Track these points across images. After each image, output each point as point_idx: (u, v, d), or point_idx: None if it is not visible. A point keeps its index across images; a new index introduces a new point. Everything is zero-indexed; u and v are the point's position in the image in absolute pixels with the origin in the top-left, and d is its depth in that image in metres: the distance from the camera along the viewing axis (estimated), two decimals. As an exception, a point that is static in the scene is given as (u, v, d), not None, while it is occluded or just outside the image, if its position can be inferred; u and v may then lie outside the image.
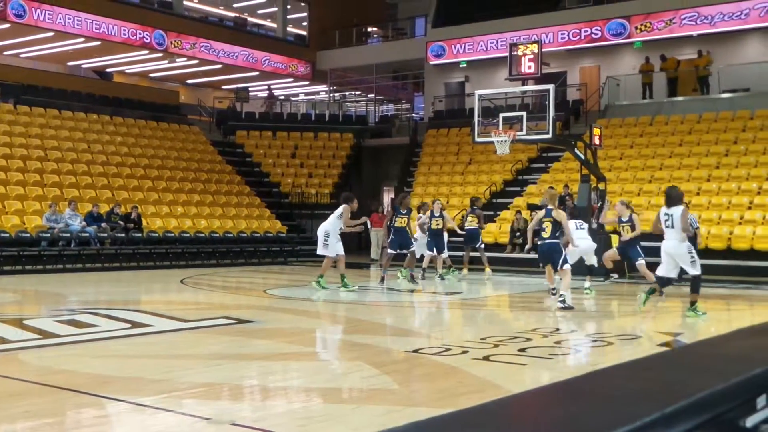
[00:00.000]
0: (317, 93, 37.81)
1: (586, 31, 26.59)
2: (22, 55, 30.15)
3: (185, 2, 31.65)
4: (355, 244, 24.40)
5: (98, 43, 28.11)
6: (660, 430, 3.99)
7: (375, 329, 9.63)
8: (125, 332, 8.58)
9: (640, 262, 12.74)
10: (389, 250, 15.05)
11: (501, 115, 17.36)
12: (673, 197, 9.92)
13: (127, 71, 33.33)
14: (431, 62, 30.23)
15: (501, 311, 12.49)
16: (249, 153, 29.09)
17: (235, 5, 35.05)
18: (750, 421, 4.82)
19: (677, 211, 9.78)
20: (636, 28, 25.71)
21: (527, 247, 12.80)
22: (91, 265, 18.41)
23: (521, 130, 16.99)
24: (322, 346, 7.93)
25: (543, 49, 19.09)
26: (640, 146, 23.42)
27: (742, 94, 23.70)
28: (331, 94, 35.77)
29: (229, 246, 21.87)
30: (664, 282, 10.28)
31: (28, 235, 18.14)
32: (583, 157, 17.86)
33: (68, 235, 18.57)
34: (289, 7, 34.87)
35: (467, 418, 4.28)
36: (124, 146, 24.83)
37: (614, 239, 17.33)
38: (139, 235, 20.11)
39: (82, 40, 27.77)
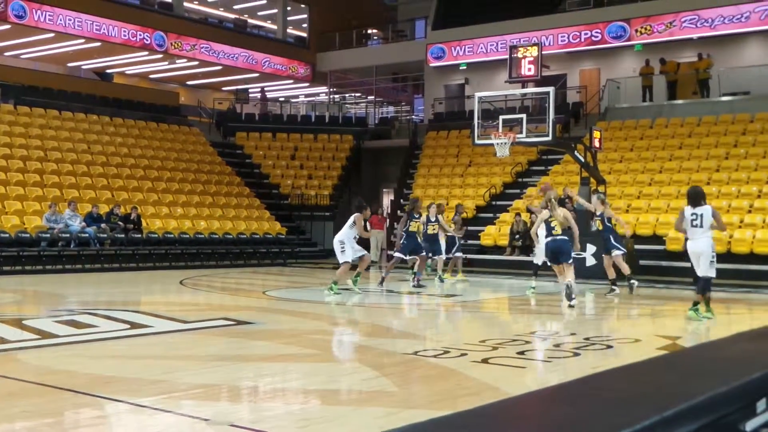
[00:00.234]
0: (317, 95, 37.83)
1: (586, 34, 26.61)
2: (22, 56, 30.18)
3: (185, 4, 31.68)
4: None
5: (98, 44, 28.13)
6: (659, 434, 3.99)
7: (374, 331, 9.62)
8: (124, 333, 8.58)
9: (617, 254, 13.49)
10: (397, 254, 14.97)
11: (501, 117, 17.38)
12: (700, 196, 9.93)
13: (127, 72, 33.36)
14: (431, 64, 30.25)
15: (500, 314, 12.48)
16: (249, 154, 29.10)
17: (235, 7, 35.06)
18: (750, 425, 4.81)
19: (706, 210, 9.79)
20: (636, 30, 25.73)
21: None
22: (91, 266, 18.42)
23: (521, 132, 17.01)
24: (321, 348, 7.93)
25: (543, 52, 19.11)
26: (639, 149, 23.42)
27: (742, 98, 23.71)
28: (331, 96, 35.78)
29: (229, 247, 21.87)
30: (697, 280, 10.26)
31: (28, 235, 18.14)
32: (582, 159, 17.86)
33: (68, 235, 18.57)
34: (289, 8, 34.89)
35: (466, 421, 4.28)
36: (124, 147, 24.84)
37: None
38: (139, 235, 20.11)
39: (82, 41, 27.79)
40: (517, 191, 23.59)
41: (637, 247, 18.29)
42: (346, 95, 37.66)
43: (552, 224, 11.58)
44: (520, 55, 18.69)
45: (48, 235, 18.29)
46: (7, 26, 25.86)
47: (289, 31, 35.43)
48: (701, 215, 9.75)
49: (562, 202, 13.07)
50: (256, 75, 33.70)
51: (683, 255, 17.39)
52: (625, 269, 13.74)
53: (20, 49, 29.39)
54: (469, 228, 21.16)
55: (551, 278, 13.84)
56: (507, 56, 19.25)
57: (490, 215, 22.76)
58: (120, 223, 19.86)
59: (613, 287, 13.66)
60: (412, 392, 5.78)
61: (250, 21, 35.43)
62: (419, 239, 14.84)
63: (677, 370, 5.93)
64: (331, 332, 9.64)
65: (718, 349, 7.52)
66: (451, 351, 7.31)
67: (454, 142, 27.70)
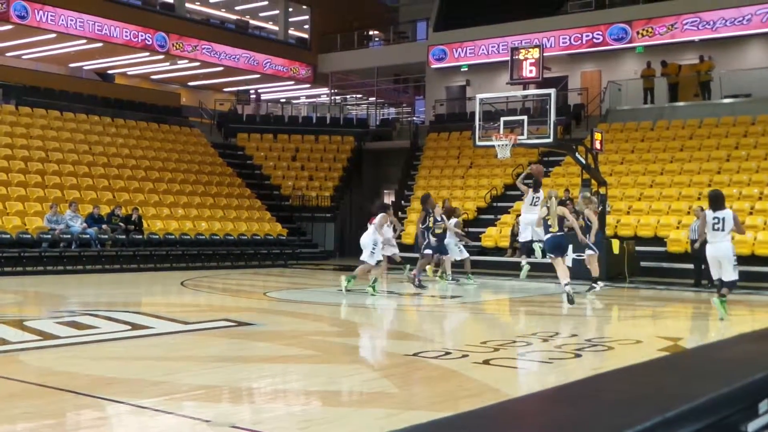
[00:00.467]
0: (318, 96, 37.85)
1: (587, 36, 26.61)
2: (24, 57, 30.21)
3: (187, 4, 31.70)
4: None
5: (100, 44, 28.16)
6: (660, 435, 3.98)
7: (375, 332, 9.63)
8: (125, 334, 8.58)
9: (590, 254, 13.90)
10: (427, 251, 15.06)
11: (502, 119, 17.35)
12: (721, 199, 9.98)
13: (128, 73, 33.39)
14: (432, 66, 30.26)
15: (501, 315, 12.48)
16: (250, 155, 29.11)
17: (236, 8, 35.09)
18: (752, 427, 4.81)
19: (728, 213, 9.85)
20: (638, 32, 25.73)
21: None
22: (92, 267, 18.41)
23: (522, 134, 16.99)
24: (322, 349, 7.92)
25: (544, 54, 19.09)
26: (641, 151, 23.41)
27: (744, 100, 23.71)
28: (333, 97, 35.80)
29: (230, 248, 21.86)
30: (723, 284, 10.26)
31: (29, 236, 18.14)
32: (584, 161, 17.86)
33: (69, 236, 18.56)
34: (290, 10, 34.92)
35: (467, 422, 4.28)
36: (125, 148, 24.85)
37: (614, 244, 17.38)
38: (140, 237, 20.11)
39: (84, 41, 27.83)
40: (518, 193, 23.46)
41: (638, 248, 18.29)
42: (348, 96, 37.68)
43: (548, 221, 12.06)
44: (521, 56, 18.67)
45: (49, 236, 18.29)
46: (9, 26, 25.89)
47: (291, 32, 35.45)
48: (723, 219, 9.79)
49: (563, 203, 13.24)
50: (258, 76, 33.72)
51: (684, 257, 17.56)
52: (595, 270, 13.92)
53: (22, 50, 29.42)
54: (470, 229, 21.17)
55: (552, 280, 13.85)
56: (508, 58, 19.23)
57: (491, 217, 22.76)
58: (121, 224, 19.86)
59: (593, 285, 13.86)
60: (413, 393, 5.77)
61: (252, 22, 35.45)
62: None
63: (678, 372, 5.93)
64: (332, 333, 9.63)
65: (720, 350, 7.52)
66: (453, 352, 7.31)
67: (455, 143, 27.70)
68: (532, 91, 19.70)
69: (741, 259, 17.25)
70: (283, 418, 4.97)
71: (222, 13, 35.10)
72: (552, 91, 16.90)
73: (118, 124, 26.40)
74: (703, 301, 13.71)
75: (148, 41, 28.66)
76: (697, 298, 14.34)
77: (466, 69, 29.65)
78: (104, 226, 19.36)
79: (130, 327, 8.98)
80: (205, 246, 21.41)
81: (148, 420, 4.90)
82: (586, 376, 6.07)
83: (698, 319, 11.69)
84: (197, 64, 31.50)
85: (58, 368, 6.48)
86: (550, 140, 17.02)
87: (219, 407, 5.24)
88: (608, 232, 18.73)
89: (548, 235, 12.20)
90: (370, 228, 13.49)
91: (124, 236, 19.65)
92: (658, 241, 18.95)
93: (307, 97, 38.31)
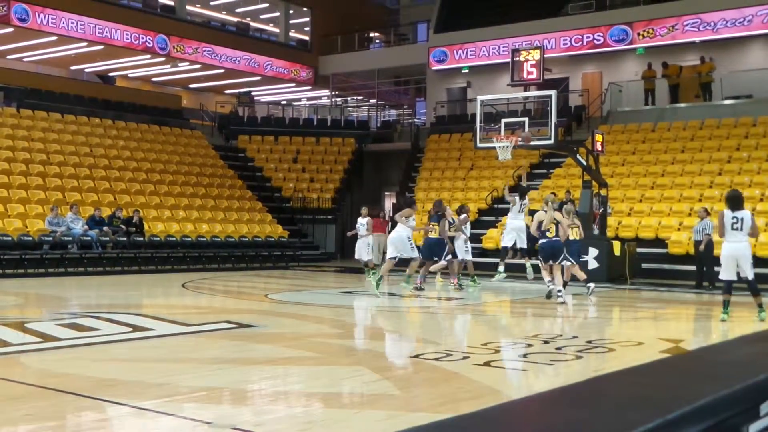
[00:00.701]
0: (319, 98, 37.86)
1: (588, 37, 26.62)
2: (25, 59, 30.22)
3: (188, 7, 31.72)
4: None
5: (101, 47, 28.18)
6: (662, 437, 3.98)
7: (375, 334, 9.62)
8: (126, 336, 8.58)
9: (569, 264, 13.64)
10: (451, 257, 15.13)
11: (503, 120, 17.35)
12: (740, 199, 10.08)
13: (129, 75, 33.42)
14: (433, 67, 30.27)
15: (502, 317, 12.47)
16: (251, 158, 29.12)
17: (237, 10, 35.10)
18: (753, 428, 4.80)
19: (746, 214, 9.95)
20: (638, 34, 25.73)
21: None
22: (93, 269, 18.42)
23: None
24: (323, 351, 7.92)
25: (545, 55, 19.12)
26: (642, 152, 23.40)
27: (745, 101, 23.71)
28: (333, 99, 35.81)
29: (231, 250, 21.86)
30: (730, 286, 10.24)
31: (31, 238, 18.15)
32: (585, 163, 17.86)
33: (70, 238, 18.57)
34: (291, 12, 34.93)
35: (468, 424, 4.27)
36: (126, 150, 24.87)
37: (616, 245, 17.37)
38: (141, 239, 20.11)
39: (85, 44, 27.85)
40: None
41: (639, 250, 18.28)
42: (348, 98, 37.70)
43: (548, 227, 12.32)
44: (522, 58, 18.68)
45: (50, 239, 18.30)
46: (10, 29, 25.91)
47: (292, 34, 35.47)
48: (742, 219, 9.87)
49: (560, 207, 13.35)
50: (259, 78, 33.73)
51: (685, 258, 17.55)
52: (580, 275, 13.71)
53: (23, 53, 29.44)
54: (472, 231, 21.13)
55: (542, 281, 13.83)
56: (509, 59, 19.25)
57: (492, 218, 22.73)
58: (122, 226, 19.86)
59: (588, 286, 13.79)
60: (414, 395, 5.77)
61: (253, 24, 35.48)
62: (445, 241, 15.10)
63: (680, 373, 5.92)
64: (333, 335, 9.63)
65: (721, 352, 7.51)
66: (453, 354, 7.30)
67: (456, 145, 27.71)
68: (533, 92, 19.71)
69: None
70: (284, 420, 4.97)
71: (223, 16, 35.13)
72: (553, 93, 16.89)
73: (119, 126, 26.41)
74: (704, 302, 13.71)
75: (149, 44, 28.68)
76: (698, 299, 14.33)
77: (467, 71, 29.65)
78: (105, 228, 19.37)
79: (131, 329, 8.99)
80: (206, 248, 21.42)
81: (149, 422, 4.90)
82: (588, 377, 6.06)
83: (700, 321, 11.68)
84: (198, 66, 31.53)
85: (60, 370, 6.49)
86: (551, 142, 17.01)
87: (220, 409, 5.24)
88: (609, 233, 18.73)
89: (544, 240, 12.40)
90: (398, 225, 13.52)
91: (125, 238, 19.66)
92: (660, 242, 18.93)
93: (308, 99, 38.32)
